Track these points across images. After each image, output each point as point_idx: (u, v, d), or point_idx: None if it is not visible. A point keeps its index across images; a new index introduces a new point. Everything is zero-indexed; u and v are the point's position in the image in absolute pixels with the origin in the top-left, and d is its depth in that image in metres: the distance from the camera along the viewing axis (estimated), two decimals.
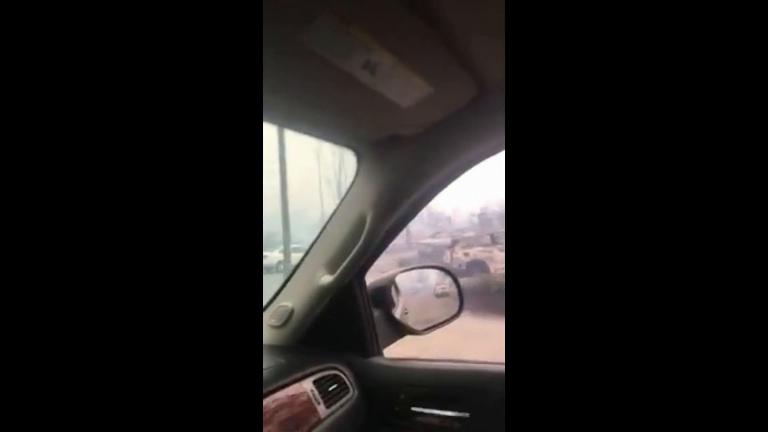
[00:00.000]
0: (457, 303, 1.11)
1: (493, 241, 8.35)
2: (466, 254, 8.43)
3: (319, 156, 17.97)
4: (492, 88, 0.66)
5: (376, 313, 1.03)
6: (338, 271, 0.90)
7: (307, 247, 0.98)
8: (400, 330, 1.06)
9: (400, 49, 0.51)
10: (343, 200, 0.90)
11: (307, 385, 0.82)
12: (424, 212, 0.97)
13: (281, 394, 0.75)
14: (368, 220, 0.84)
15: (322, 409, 0.80)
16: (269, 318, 0.99)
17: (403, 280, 1.13)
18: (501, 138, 0.73)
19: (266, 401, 0.72)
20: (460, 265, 8.11)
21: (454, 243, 9.08)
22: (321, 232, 0.95)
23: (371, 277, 1.04)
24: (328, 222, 0.94)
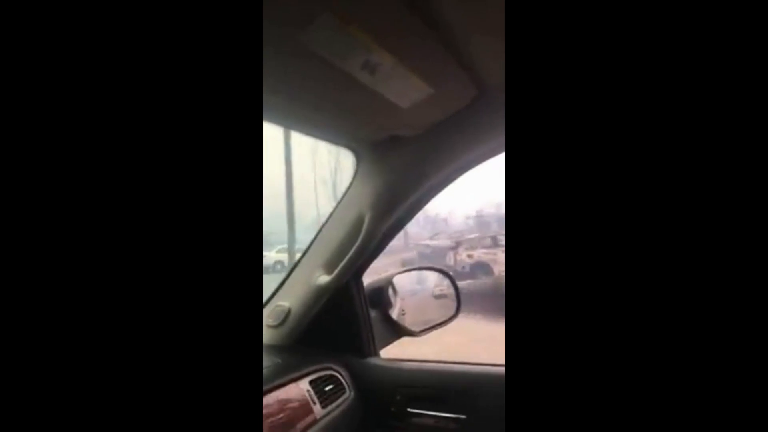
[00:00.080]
0: (454, 305, 1.11)
1: (495, 244, 8.34)
2: (469, 256, 8.39)
3: (315, 156, 17.93)
4: (492, 88, 0.66)
5: (373, 313, 1.03)
6: (336, 271, 0.89)
7: (302, 246, 0.98)
8: (397, 331, 1.06)
9: (399, 49, 0.51)
10: (341, 201, 0.90)
11: (304, 385, 0.81)
12: (419, 214, 0.97)
13: (277, 394, 0.75)
14: (366, 220, 0.83)
15: (318, 410, 0.80)
16: (266, 317, 0.99)
17: (402, 282, 1.13)
18: (500, 139, 0.73)
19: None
20: (463, 267, 8.10)
21: (458, 245, 9.06)
22: (319, 232, 0.95)
23: (368, 278, 1.04)
24: (326, 222, 0.94)
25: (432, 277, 1.21)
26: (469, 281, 7.31)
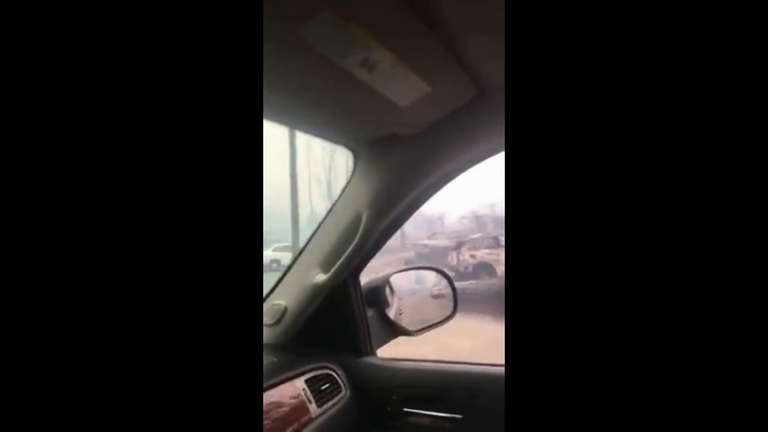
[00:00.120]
0: (451, 305, 1.11)
1: (498, 244, 8.31)
2: (472, 256, 8.37)
3: (309, 153, 17.72)
4: (490, 88, 0.66)
5: (370, 313, 1.03)
6: (332, 270, 0.89)
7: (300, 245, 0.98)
8: (393, 330, 1.06)
9: (399, 48, 0.51)
10: (338, 199, 0.90)
11: (299, 384, 0.81)
12: (415, 214, 0.97)
13: (273, 393, 0.75)
14: (364, 219, 0.83)
15: (313, 408, 0.80)
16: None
17: (400, 281, 1.13)
18: (499, 138, 0.73)
19: None
20: (466, 268, 8.10)
21: (460, 245, 9.05)
22: (316, 230, 0.94)
23: (366, 277, 1.04)
24: (323, 221, 0.93)
25: (430, 277, 1.21)
26: (472, 281, 7.32)
